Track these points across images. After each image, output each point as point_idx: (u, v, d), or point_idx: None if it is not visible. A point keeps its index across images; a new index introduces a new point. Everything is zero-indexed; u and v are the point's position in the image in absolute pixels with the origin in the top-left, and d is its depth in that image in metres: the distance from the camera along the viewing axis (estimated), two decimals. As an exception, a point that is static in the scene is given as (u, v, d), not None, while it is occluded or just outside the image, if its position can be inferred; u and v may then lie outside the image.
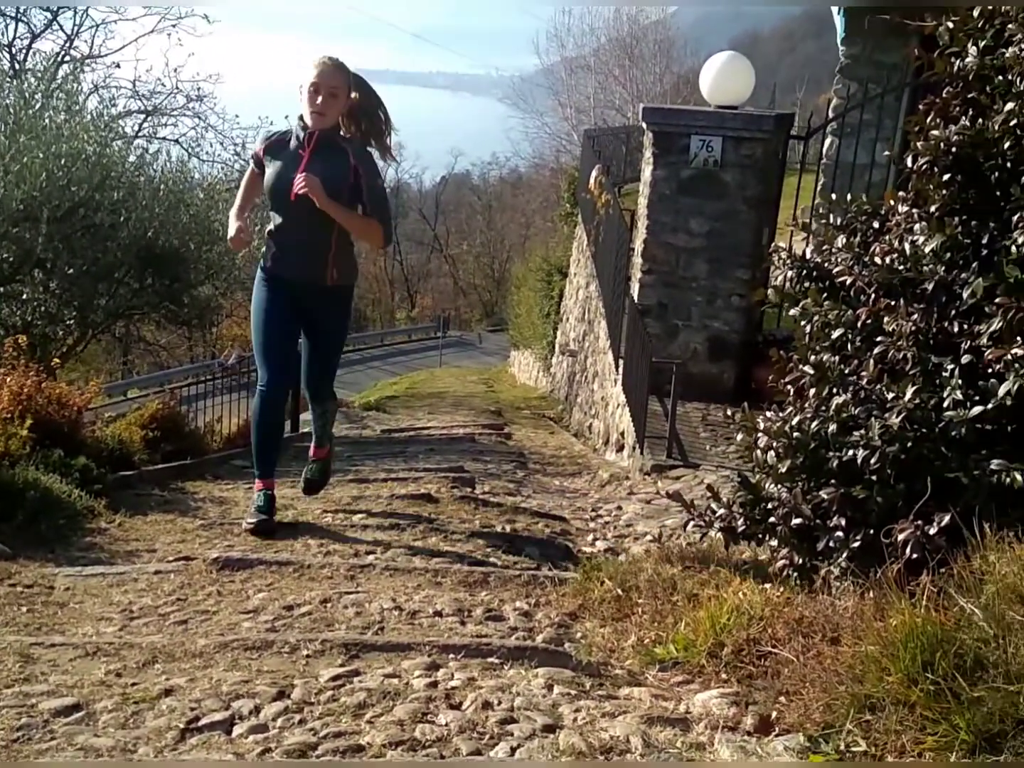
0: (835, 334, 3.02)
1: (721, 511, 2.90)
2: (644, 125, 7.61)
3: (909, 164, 3.10)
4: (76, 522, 4.37)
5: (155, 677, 2.48)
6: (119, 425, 6.81)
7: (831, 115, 8.49)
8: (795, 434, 2.74)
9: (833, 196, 3.55)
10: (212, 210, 11.95)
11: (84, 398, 5.87)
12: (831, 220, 3.44)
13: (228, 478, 6.23)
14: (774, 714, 2.11)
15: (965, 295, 2.70)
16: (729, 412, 3.18)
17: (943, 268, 2.81)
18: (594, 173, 11.98)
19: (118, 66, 23.14)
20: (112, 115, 13.05)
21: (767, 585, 2.81)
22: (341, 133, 4.26)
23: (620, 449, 7.74)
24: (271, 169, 4.23)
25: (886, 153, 3.84)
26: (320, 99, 4.09)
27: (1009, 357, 2.49)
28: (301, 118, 4.18)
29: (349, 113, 4.25)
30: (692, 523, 2.97)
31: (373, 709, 2.25)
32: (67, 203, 10.47)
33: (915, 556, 2.32)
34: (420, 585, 3.35)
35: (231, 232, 4.31)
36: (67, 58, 21.81)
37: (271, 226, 4.33)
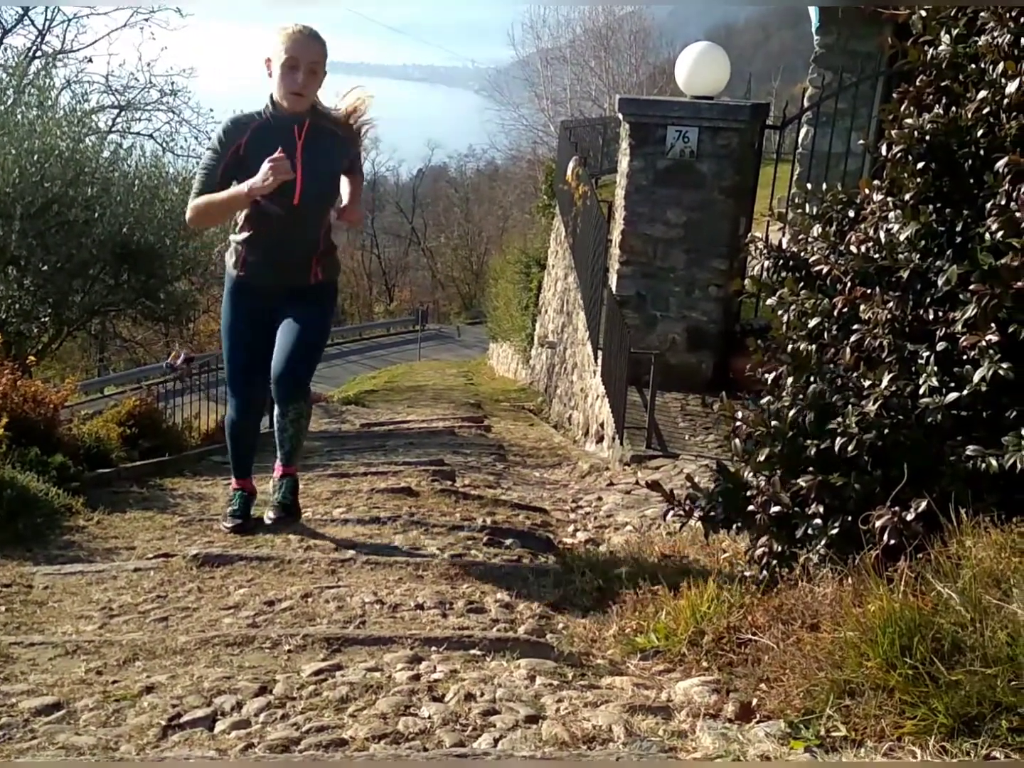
0: (812, 323, 3.03)
1: (700, 500, 2.91)
2: (620, 116, 7.61)
3: (884, 153, 3.11)
4: (54, 520, 4.33)
5: (136, 675, 2.47)
6: (96, 422, 6.75)
7: (806, 104, 8.53)
8: (773, 422, 2.75)
9: (809, 185, 3.57)
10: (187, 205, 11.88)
11: (60, 396, 5.82)
12: (807, 209, 3.46)
13: (207, 474, 6.21)
14: (755, 701, 2.12)
15: (940, 282, 2.72)
16: (707, 401, 3.19)
17: (918, 256, 2.83)
18: (571, 164, 11.98)
19: (90, 61, 23.04)
20: (85, 110, 12.97)
21: (747, 573, 2.83)
22: (317, 108, 3.74)
23: (600, 440, 7.75)
24: (258, 163, 3.53)
25: (860, 142, 3.85)
26: (300, 76, 3.54)
27: (983, 343, 2.50)
28: (272, 100, 3.64)
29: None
30: (672, 512, 2.98)
31: (356, 703, 2.25)
32: (40, 199, 10.40)
33: (892, 542, 2.33)
34: (401, 578, 3.35)
35: (260, 178, 3.49)
36: (39, 53, 21.64)
37: (246, 231, 3.79)
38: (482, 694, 2.26)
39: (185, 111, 22.36)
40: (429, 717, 2.15)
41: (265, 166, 3.47)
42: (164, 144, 17.97)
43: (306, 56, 3.55)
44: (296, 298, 3.82)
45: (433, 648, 2.58)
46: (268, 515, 4.00)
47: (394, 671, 2.43)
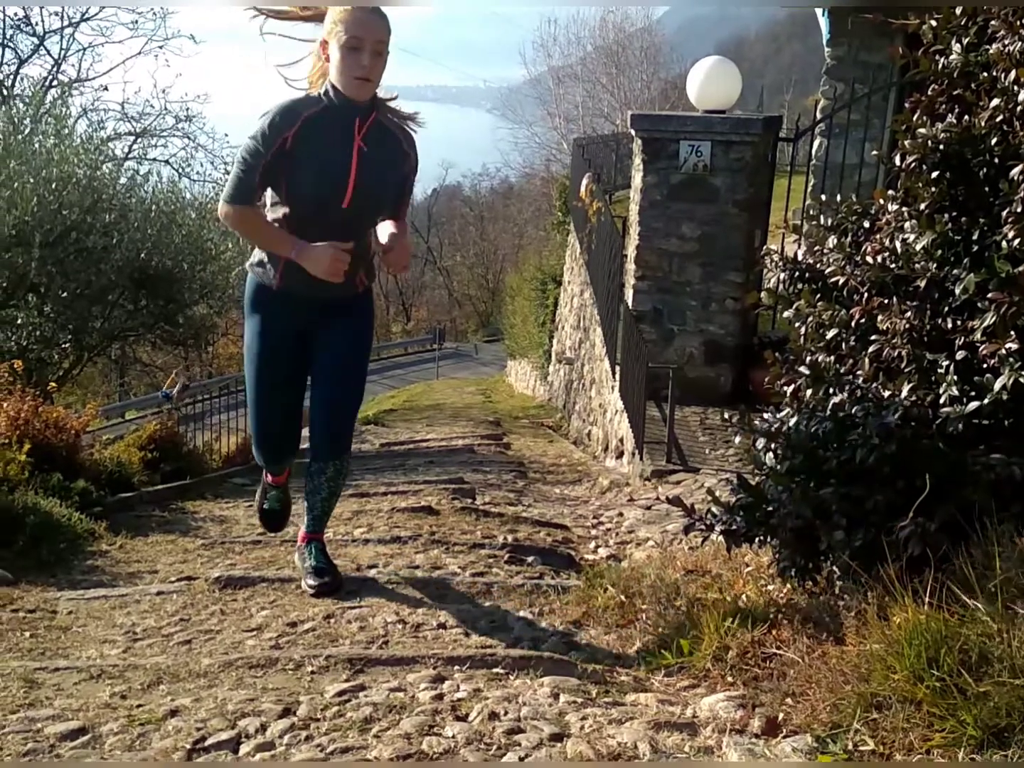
0: (830, 334, 3.03)
1: (721, 514, 2.90)
2: (633, 132, 7.63)
3: (897, 163, 3.11)
4: (77, 545, 4.37)
5: (160, 698, 2.47)
6: (118, 447, 6.81)
7: (819, 116, 8.53)
8: (793, 435, 2.74)
9: (823, 197, 3.57)
10: (204, 229, 11.99)
11: (81, 421, 5.87)
12: (822, 221, 3.45)
13: (228, 497, 6.24)
14: (781, 715, 2.10)
15: (957, 291, 2.70)
16: (727, 415, 3.18)
17: (935, 265, 2.82)
18: (584, 181, 12.01)
19: (106, 89, 23.29)
20: (101, 138, 13.10)
21: (770, 587, 2.82)
22: (382, 101, 3.26)
23: (620, 455, 7.74)
24: (307, 160, 3.08)
25: (874, 153, 3.85)
26: (365, 58, 3.03)
27: (1003, 351, 2.49)
28: (332, 87, 3.11)
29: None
30: (693, 527, 2.97)
31: (379, 723, 2.24)
32: (59, 227, 10.50)
33: (916, 553, 2.31)
34: (423, 598, 3.35)
35: (323, 262, 3.08)
36: (55, 82, 21.85)
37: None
38: (506, 713, 2.25)
39: (200, 136, 22.56)
40: (453, 736, 2.15)
41: (327, 252, 3.08)
42: (180, 170, 18.09)
43: (371, 35, 3.04)
44: (336, 314, 3.33)
45: (456, 667, 2.58)
46: (307, 583, 3.46)
47: (417, 691, 2.42)
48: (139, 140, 22.14)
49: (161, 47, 23.70)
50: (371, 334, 3.56)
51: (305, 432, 3.49)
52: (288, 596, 3.41)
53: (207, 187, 15.62)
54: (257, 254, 3.35)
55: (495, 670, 2.56)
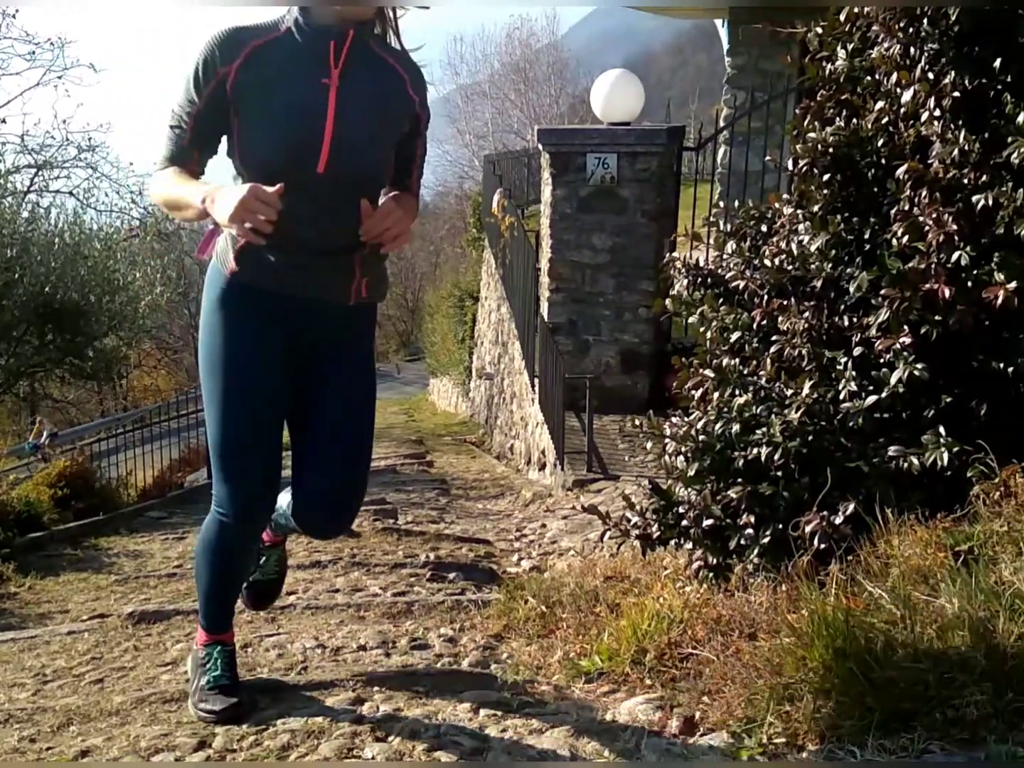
0: (733, 337, 3.08)
1: (636, 519, 2.92)
2: (541, 146, 7.69)
3: (790, 167, 3.19)
4: (-17, 590, 4.22)
5: (71, 740, 2.39)
6: (26, 486, 6.59)
7: (721, 125, 8.70)
8: (701, 437, 2.78)
9: (722, 204, 3.64)
10: (111, 260, 11.75)
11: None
12: (722, 227, 3.52)
13: (143, 531, 6.10)
14: (698, 714, 2.13)
15: (852, 289, 2.78)
16: (637, 421, 3.21)
17: (829, 265, 2.90)
18: (496, 197, 12.06)
19: (3, 121, 22.59)
20: (1, 171, 12.74)
21: (687, 588, 2.84)
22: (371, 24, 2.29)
23: (542, 467, 7.76)
24: (259, 108, 2.18)
25: (767, 158, 3.94)
26: None
27: (898, 346, 2.57)
28: (300, 8, 2.20)
29: None
30: (609, 534, 2.99)
31: (298, 750, 2.20)
32: (-42, 264, 10.20)
33: (823, 546, 2.36)
34: (343, 621, 3.31)
35: (227, 209, 2.05)
36: (-50, 117, 21.21)
37: None
38: (426, 730, 2.23)
39: (104, 166, 22.04)
40: (373, 757, 2.12)
41: (239, 192, 2.06)
42: (84, 201, 17.71)
43: None
44: (329, 336, 2.38)
45: (376, 688, 2.55)
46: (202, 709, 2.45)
47: (336, 714, 2.38)
48: (40, 172, 21.58)
49: (60, 77, 23.13)
50: (375, 381, 2.51)
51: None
52: (205, 627, 3.34)
53: (112, 216, 15.32)
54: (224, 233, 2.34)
55: (415, 688, 2.54)
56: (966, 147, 2.63)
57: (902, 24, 2.84)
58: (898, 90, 2.87)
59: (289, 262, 2.26)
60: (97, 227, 13.45)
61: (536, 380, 8.31)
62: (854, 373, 2.65)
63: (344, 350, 2.41)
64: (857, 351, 2.71)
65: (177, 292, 19.60)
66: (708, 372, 3.00)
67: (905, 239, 2.67)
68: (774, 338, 2.88)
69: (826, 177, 3.00)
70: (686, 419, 2.93)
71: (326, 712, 2.41)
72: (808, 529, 2.40)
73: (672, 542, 2.91)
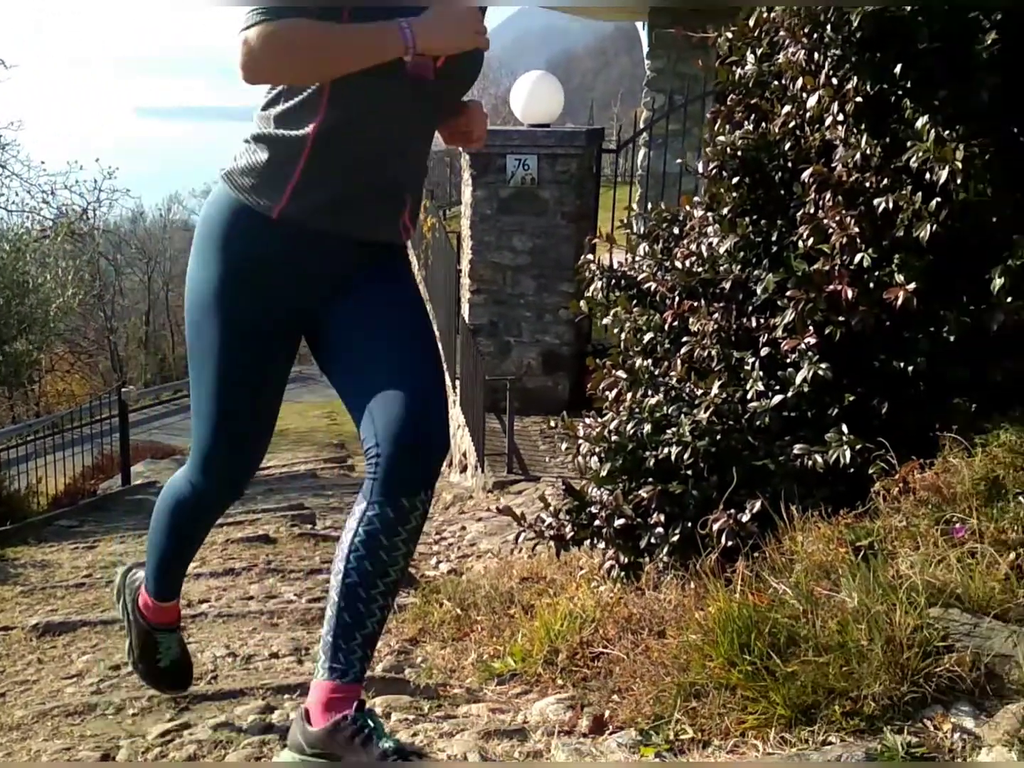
0: (646, 338, 3.11)
1: (550, 520, 2.93)
2: (460, 148, 7.68)
3: (700, 169, 3.23)
4: None
5: (-34, 757, 2.32)
6: (-73, 496, 6.38)
7: (641, 127, 8.79)
8: (613, 438, 2.80)
9: (635, 206, 3.67)
10: (20, 261, 11.39)
11: None
12: (635, 229, 3.55)
13: (52, 540, 5.92)
14: (607, 713, 2.13)
15: (759, 291, 2.82)
16: (552, 423, 3.22)
17: (738, 267, 2.94)
18: (418, 198, 12.00)
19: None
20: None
21: (600, 588, 2.86)
22: None
23: (463, 469, 7.74)
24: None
25: (678, 161, 3.98)
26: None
27: (803, 346, 2.62)
28: None
29: None
30: (524, 535, 2.99)
31: (204, 760, 2.16)
32: None
33: (730, 544, 2.40)
34: (255, 628, 3.26)
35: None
36: None
37: (314, 119, 1.83)
38: (336, 737, 2.20)
39: (14, 164, 21.44)
40: (281, 766, 2.08)
41: (458, 8, 1.83)
42: (-8, 201, 17.14)
43: None
44: (375, 274, 1.99)
45: (286, 696, 2.51)
46: None
47: (245, 723, 2.34)
48: (-54, 171, 20.88)
49: (-35, 74, 22.43)
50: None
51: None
52: (112, 638, 3.26)
53: (24, 217, 14.89)
54: (251, 153, 1.90)
55: (327, 695, 2.50)
56: (868, 151, 2.69)
57: (807, 30, 2.89)
58: (804, 95, 2.92)
59: (348, 197, 1.89)
60: (6, 227, 13.03)
61: (457, 382, 8.30)
62: (761, 373, 2.70)
63: (398, 286, 2.04)
64: (764, 351, 2.76)
65: (91, 295, 19.12)
66: (621, 373, 3.02)
67: (810, 241, 2.73)
68: (684, 339, 2.91)
69: (735, 180, 3.05)
70: (599, 420, 2.95)
71: (235, 721, 2.36)
72: (716, 527, 2.43)
73: (586, 542, 2.93)
